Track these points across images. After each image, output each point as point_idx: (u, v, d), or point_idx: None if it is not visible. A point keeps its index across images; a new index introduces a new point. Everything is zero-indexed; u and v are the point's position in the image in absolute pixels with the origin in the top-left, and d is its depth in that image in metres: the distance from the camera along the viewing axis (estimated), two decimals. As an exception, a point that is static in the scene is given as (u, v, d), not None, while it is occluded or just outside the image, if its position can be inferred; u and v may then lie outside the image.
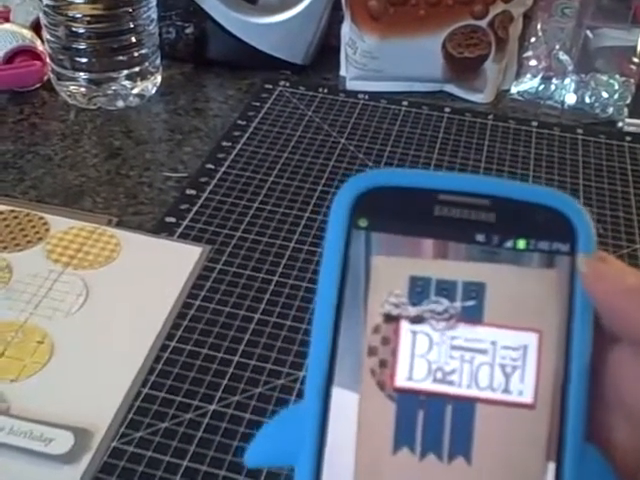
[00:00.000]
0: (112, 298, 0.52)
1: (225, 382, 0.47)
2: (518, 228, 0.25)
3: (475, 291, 0.24)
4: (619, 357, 0.24)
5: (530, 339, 0.24)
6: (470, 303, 0.24)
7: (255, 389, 0.47)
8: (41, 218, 0.58)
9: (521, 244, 0.24)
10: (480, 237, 0.25)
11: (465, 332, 0.24)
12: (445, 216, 0.25)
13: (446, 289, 0.24)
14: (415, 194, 0.25)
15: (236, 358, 0.49)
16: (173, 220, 0.60)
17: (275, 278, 0.55)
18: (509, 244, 0.24)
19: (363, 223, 0.25)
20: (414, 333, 0.24)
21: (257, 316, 0.52)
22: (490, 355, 0.24)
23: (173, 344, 0.49)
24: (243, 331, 0.51)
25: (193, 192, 0.63)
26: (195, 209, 0.61)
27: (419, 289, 0.24)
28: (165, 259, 0.55)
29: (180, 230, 0.59)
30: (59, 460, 0.42)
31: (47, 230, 0.57)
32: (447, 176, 0.26)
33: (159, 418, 0.45)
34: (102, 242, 0.56)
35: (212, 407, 0.46)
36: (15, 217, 0.58)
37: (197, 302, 0.52)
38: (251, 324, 0.51)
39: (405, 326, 0.24)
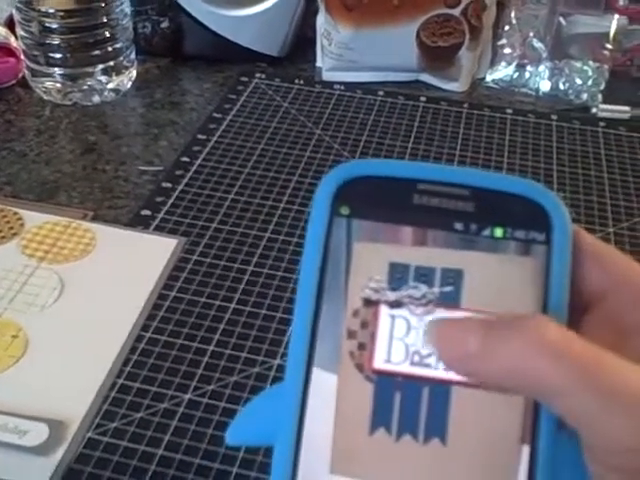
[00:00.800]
0: (87, 292, 0.52)
1: (200, 371, 0.47)
2: (495, 217, 0.25)
3: (453, 277, 0.25)
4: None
5: None
6: (448, 289, 0.25)
7: (230, 377, 0.47)
8: (15, 213, 0.58)
9: (498, 232, 0.25)
10: (458, 225, 0.25)
11: (442, 316, 0.25)
12: (424, 205, 0.25)
13: (425, 275, 0.25)
14: (395, 183, 0.26)
15: (211, 347, 0.49)
16: (149, 213, 0.60)
17: (250, 268, 0.55)
18: (487, 232, 0.25)
19: (345, 211, 0.25)
20: (393, 317, 0.25)
21: (232, 306, 0.52)
22: None
23: (148, 335, 0.50)
24: (218, 321, 0.51)
25: (169, 185, 0.63)
26: (170, 202, 0.61)
27: (398, 275, 0.25)
28: (141, 252, 0.56)
29: (156, 223, 0.59)
30: (34, 452, 0.42)
31: (22, 225, 0.57)
32: (427, 166, 0.26)
33: (134, 408, 0.45)
34: (77, 236, 0.56)
35: (187, 396, 0.46)
36: (-10, 213, 0.58)
37: (173, 293, 0.53)
38: (226, 314, 0.51)
39: (384, 310, 0.25)
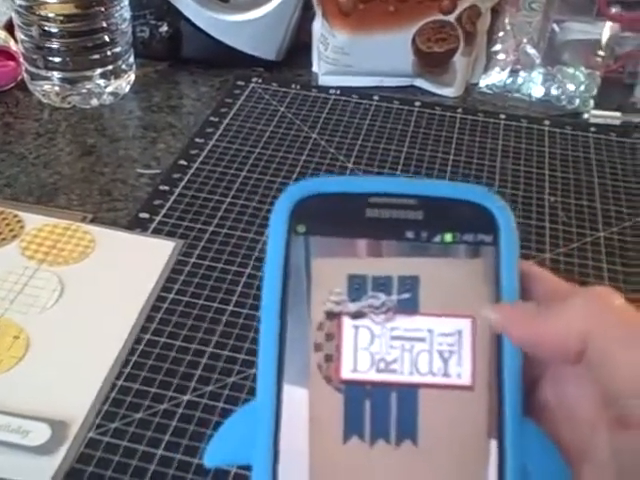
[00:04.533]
0: (87, 293, 0.53)
1: (199, 372, 0.48)
2: (444, 223, 0.27)
3: (410, 284, 0.26)
4: (557, 364, 0.26)
5: (464, 325, 0.26)
6: (406, 296, 0.26)
7: (228, 379, 0.48)
8: (15, 216, 0.59)
9: (448, 237, 0.26)
10: (410, 234, 0.26)
11: (403, 323, 0.26)
12: (376, 217, 0.27)
13: (382, 284, 0.26)
14: (347, 199, 0.27)
15: (209, 349, 0.50)
16: (147, 216, 0.61)
17: (247, 271, 0.56)
18: (437, 238, 0.26)
19: (301, 229, 0.27)
20: (356, 327, 0.26)
21: (230, 308, 0.53)
22: (428, 342, 0.26)
23: (147, 337, 0.50)
24: (216, 323, 0.52)
25: (166, 188, 0.64)
26: (168, 205, 0.62)
27: (357, 286, 0.26)
28: (139, 254, 0.56)
29: (154, 225, 0.60)
30: (36, 451, 0.43)
31: (22, 227, 0.58)
32: (375, 180, 0.28)
33: (134, 409, 0.46)
34: (76, 238, 0.57)
35: (186, 397, 0.47)
36: (-10, 215, 0.59)
37: (171, 295, 0.53)
38: (224, 316, 0.52)
39: (347, 321, 0.26)
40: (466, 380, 0.25)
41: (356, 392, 0.25)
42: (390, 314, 0.26)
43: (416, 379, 0.25)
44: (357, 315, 0.26)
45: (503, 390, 0.25)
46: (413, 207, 0.27)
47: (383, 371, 0.25)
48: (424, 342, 0.26)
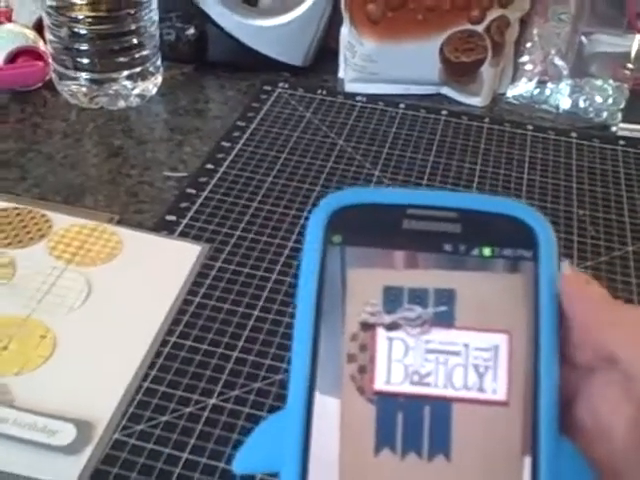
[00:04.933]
0: (113, 294, 0.53)
1: (224, 377, 0.48)
2: (483, 237, 0.26)
3: (446, 297, 0.26)
4: (593, 383, 0.26)
5: (500, 340, 0.25)
6: (442, 309, 0.26)
7: (254, 384, 0.48)
8: (43, 215, 0.59)
9: (486, 251, 0.26)
10: (448, 247, 0.26)
11: (438, 336, 0.25)
12: (414, 229, 0.26)
13: (418, 297, 0.26)
14: (384, 210, 0.27)
15: (235, 354, 0.50)
16: (173, 219, 0.61)
17: (273, 276, 0.56)
18: (475, 252, 0.26)
19: (337, 239, 0.26)
20: (390, 339, 0.26)
21: (256, 313, 0.53)
22: (463, 356, 0.25)
23: (173, 339, 0.50)
24: (242, 327, 0.52)
25: (193, 191, 0.64)
26: (195, 208, 0.62)
27: (393, 298, 0.26)
28: (165, 257, 0.56)
29: (180, 229, 0.60)
30: (62, 451, 0.43)
31: (50, 227, 0.58)
32: (413, 192, 0.28)
33: (159, 411, 0.46)
34: (103, 239, 0.57)
35: (211, 401, 0.47)
36: (18, 214, 0.59)
37: (197, 299, 0.53)
38: (250, 321, 0.52)
39: (381, 333, 0.26)
40: (501, 396, 0.25)
41: (389, 404, 0.25)
42: (425, 327, 0.26)
43: (450, 393, 0.25)
44: (392, 327, 0.26)
45: (539, 407, 0.25)
46: (451, 220, 0.26)
47: (417, 384, 0.25)
48: (459, 356, 0.25)
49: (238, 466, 0.26)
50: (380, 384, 0.25)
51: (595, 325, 0.25)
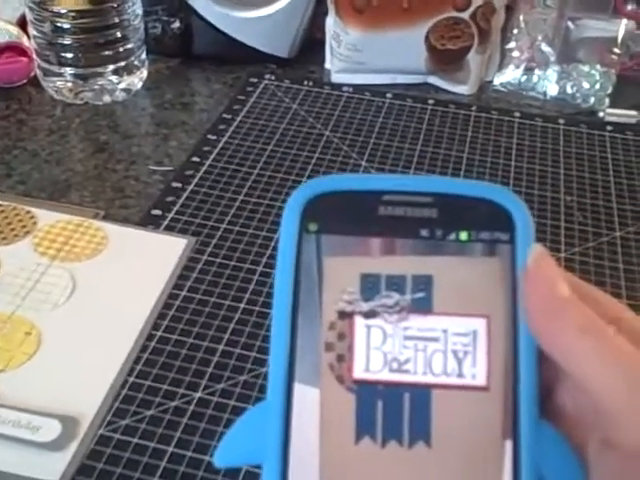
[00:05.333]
0: (98, 290, 0.53)
1: (210, 370, 0.48)
2: (459, 221, 0.26)
3: (423, 283, 0.25)
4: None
5: (479, 324, 0.25)
6: (419, 295, 0.25)
7: (240, 376, 0.48)
8: (28, 212, 0.59)
9: (463, 236, 0.26)
10: (424, 232, 0.26)
11: (417, 322, 0.25)
12: (390, 215, 0.26)
13: (396, 283, 0.25)
14: (360, 196, 0.26)
15: (221, 347, 0.50)
16: (159, 213, 0.60)
17: (260, 269, 0.56)
18: (452, 236, 0.26)
19: (313, 227, 0.26)
20: (368, 327, 0.25)
21: (242, 306, 0.53)
22: (442, 342, 0.25)
23: (159, 334, 0.50)
24: (228, 320, 0.51)
25: (179, 185, 0.64)
26: (181, 202, 0.62)
27: (370, 285, 0.26)
28: (151, 251, 0.56)
29: (166, 222, 0.59)
30: (47, 447, 0.42)
31: (34, 224, 0.58)
32: (388, 177, 0.28)
33: (145, 406, 0.46)
34: (89, 235, 0.57)
35: (197, 395, 0.47)
36: (2, 211, 0.59)
37: (183, 293, 0.53)
38: (236, 313, 0.52)
39: (359, 321, 0.25)
40: (481, 381, 0.25)
41: (368, 392, 0.25)
42: (403, 313, 0.25)
43: (430, 379, 0.25)
44: (370, 314, 0.25)
45: (519, 391, 0.25)
46: (427, 205, 0.26)
47: (396, 371, 0.25)
48: (438, 342, 0.25)
49: (219, 460, 0.26)
50: (359, 372, 0.25)
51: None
